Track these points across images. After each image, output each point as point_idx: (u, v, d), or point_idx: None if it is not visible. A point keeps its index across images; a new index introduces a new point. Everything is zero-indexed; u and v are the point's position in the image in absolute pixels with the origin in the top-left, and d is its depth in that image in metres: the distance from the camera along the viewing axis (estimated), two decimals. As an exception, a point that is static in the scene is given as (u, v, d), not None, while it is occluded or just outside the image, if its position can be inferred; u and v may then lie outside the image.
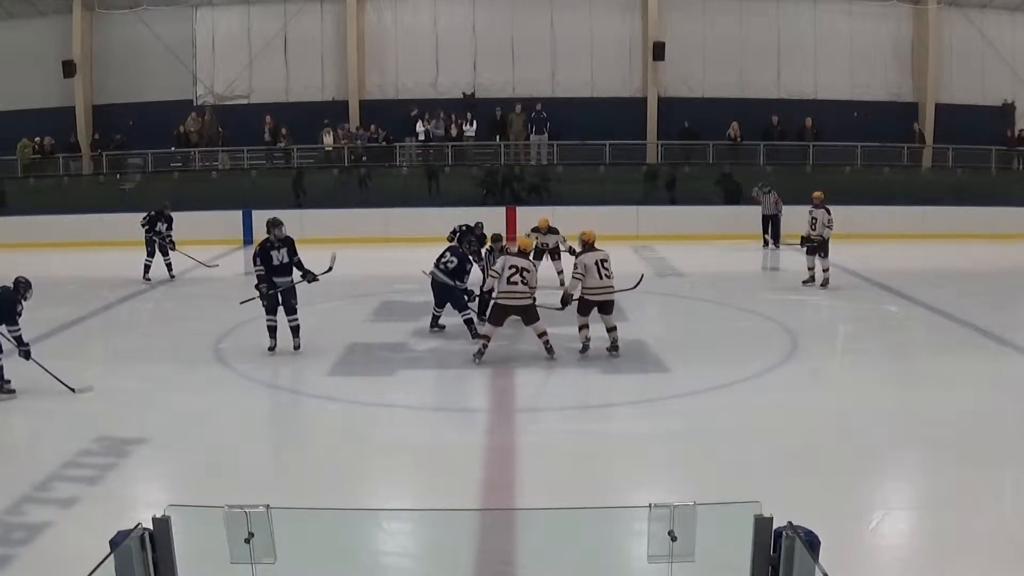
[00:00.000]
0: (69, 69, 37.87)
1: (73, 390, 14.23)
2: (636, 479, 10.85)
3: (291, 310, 16.45)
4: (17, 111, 37.70)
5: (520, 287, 15.61)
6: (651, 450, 11.75)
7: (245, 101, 38.37)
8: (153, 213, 25.10)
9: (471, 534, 7.04)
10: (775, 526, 3.98)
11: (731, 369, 15.19)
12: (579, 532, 4.90)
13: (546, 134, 36.47)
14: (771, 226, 30.51)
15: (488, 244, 19.08)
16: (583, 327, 16.12)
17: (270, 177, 36.25)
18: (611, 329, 16.08)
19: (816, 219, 22.88)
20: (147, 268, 25.02)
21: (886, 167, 35.35)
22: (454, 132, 36.82)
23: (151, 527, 4.02)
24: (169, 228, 25.16)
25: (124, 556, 3.91)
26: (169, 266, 25.25)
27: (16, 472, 11.25)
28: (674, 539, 3.94)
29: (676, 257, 27.00)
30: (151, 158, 37.15)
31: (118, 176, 36.86)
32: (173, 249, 25.17)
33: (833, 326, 19.86)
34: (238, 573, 4.11)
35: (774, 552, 3.95)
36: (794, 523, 3.95)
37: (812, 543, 3.85)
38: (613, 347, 16.05)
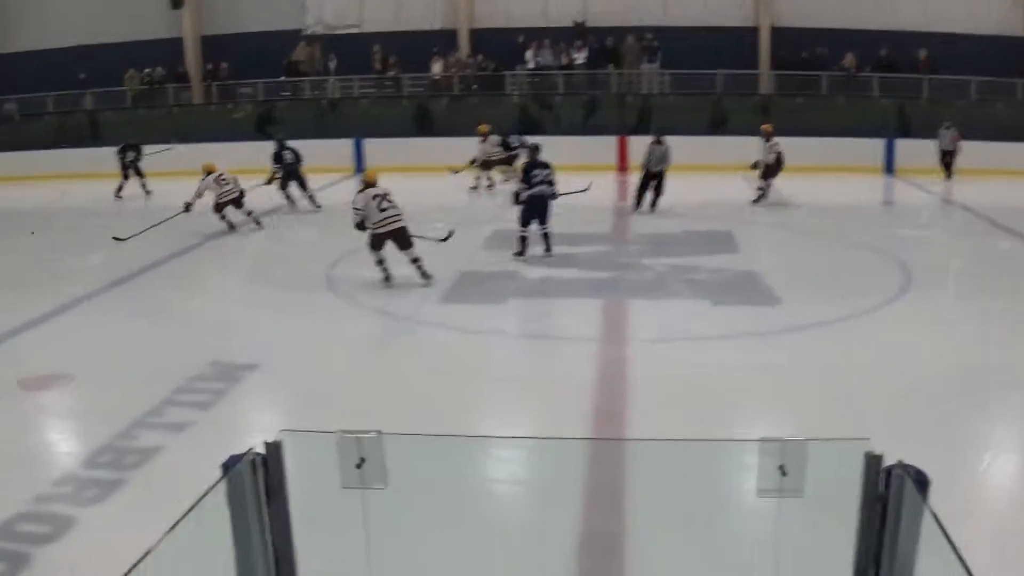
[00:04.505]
0: (177, 0, 38.10)
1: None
2: (745, 412, 10.77)
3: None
4: (125, 43, 38.14)
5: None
6: (761, 383, 11.63)
7: (355, 30, 38.38)
8: (124, 145, 29.60)
9: (580, 463, 7.07)
10: (884, 464, 3.95)
11: (844, 303, 14.99)
12: (688, 464, 4.90)
13: (657, 63, 36.11)
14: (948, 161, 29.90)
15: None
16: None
17: (380, 106, 36.26)
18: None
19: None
20: (119, 188, 29.44)
21: (999, 102, 34.54)
22: (564, 61, 36.58)
23: (263, 452, 4.07)
24: (138, 157, 29.60)
25: (236, 480, 3.97)
26: (144, 186, 29.71)
27: (129, 398, 11.43)
28: (784, 474, 3.92)
29: (790, 189, 26.69)
30: (261, 88, 37.39)
31: (228, 106, 37.15)
32: (141, 176, 29.50)
33: (948, 262, 19.42)
34: (348, 498, 4.16)
35: (883, 490, 3.92)
36: (904, 461, 3.91)
37: (922, 482, 3.82)
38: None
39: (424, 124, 35.04)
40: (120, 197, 29.40)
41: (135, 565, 3.33)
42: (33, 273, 19.18)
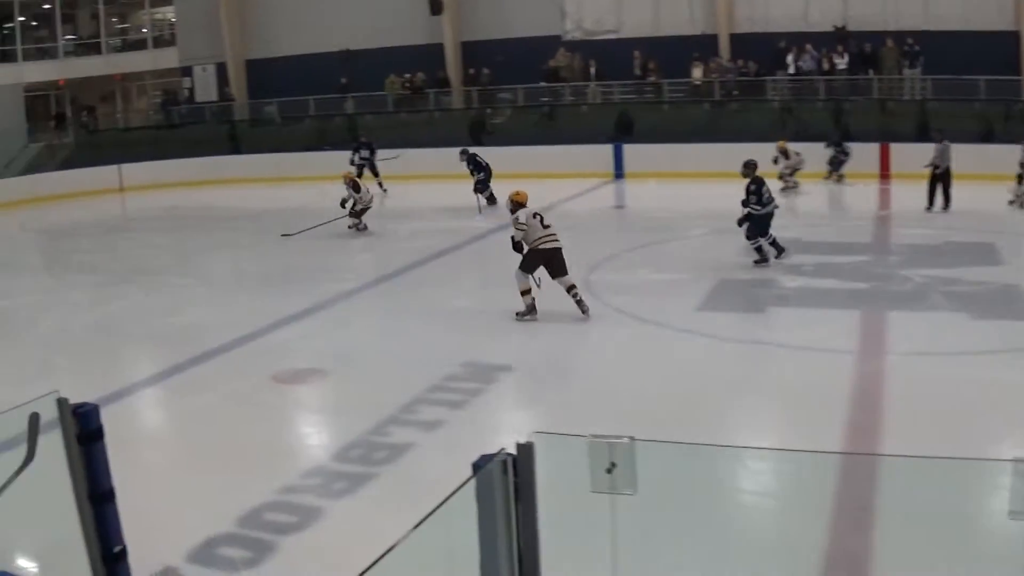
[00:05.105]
0: (436, 7, 38.81)
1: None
2: (1002, 431, 10.39)
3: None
4: (386, 48, 39.19)
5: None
6: (1020, 401, 11.20)
7: (614, 36, 38.38)
8: (357, 144, 32.31)
9: (832, 477, 6.96)
10: None
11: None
12: (941, 482, 4.78)
13: (919, 68, 35.21)
14: None
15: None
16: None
17: (642, 111, 36.18)
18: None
19: None
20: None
21: None
22: (826, 66, 35.97)
23: (514, 452, 4.10)
24: (372, 155, 31.96)
25: (486, 480, 3.99)
26: (380, 184, 31.63)
27: (382, 394, 11.73)
28: (1035, 497, 3.78)
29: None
30: (521, 93, 37.73)
31: (488, 111, 37.63)
32: (376, 175, 31.62)
33: None
34: (596, 502, 4.16)
35: None
36: None
37: None
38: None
39: (623, 130, 34.98)
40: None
41: (380, 558, 3.40)
42: (291, 271, 19.83)
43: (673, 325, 14.69)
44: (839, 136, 29.50)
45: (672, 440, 4.32)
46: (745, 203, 17.96)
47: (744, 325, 14.81)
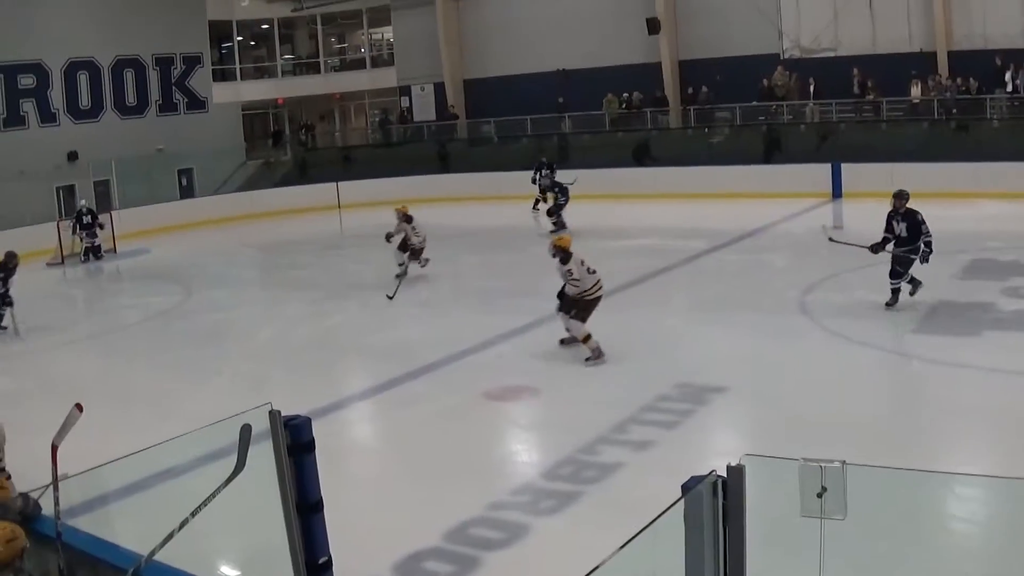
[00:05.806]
0: (653, 26, 38.76)
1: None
2: None
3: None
4: (605, 68, 39.52)
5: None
6: None
7: (832, 54, 37.85)
8: (538, 164, 31.30)
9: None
10: None
11: None
12: None
13: None
14: None
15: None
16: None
17: (859, 131, 35.55)
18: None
19: None
20: (536, 203, 31.32)
21: None
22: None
23: (724, 475, 4.03)
24: (552, 173, 30.34)
25: (694, 501, 3.95)
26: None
27: (594, 413, 11.76)
28: None
29: None
30: (739, 112, 37.47)
31: (706, 130, 37.50)
32: (551, 191, 29.83)
33: None
34: (805, 526, 4.08)
35: None
36: None
37: None
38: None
39: (771, 151, 34.97)
40: (536, 209, 31.30)
41: (586, 577, 3.36)
42: (500, 289, 20.02)
43: (888, 348, 14.47)
44: None
45: (883, 465, 4.22)
46: (912, 240, 16.52)
47: (959, 348, 14.36)
